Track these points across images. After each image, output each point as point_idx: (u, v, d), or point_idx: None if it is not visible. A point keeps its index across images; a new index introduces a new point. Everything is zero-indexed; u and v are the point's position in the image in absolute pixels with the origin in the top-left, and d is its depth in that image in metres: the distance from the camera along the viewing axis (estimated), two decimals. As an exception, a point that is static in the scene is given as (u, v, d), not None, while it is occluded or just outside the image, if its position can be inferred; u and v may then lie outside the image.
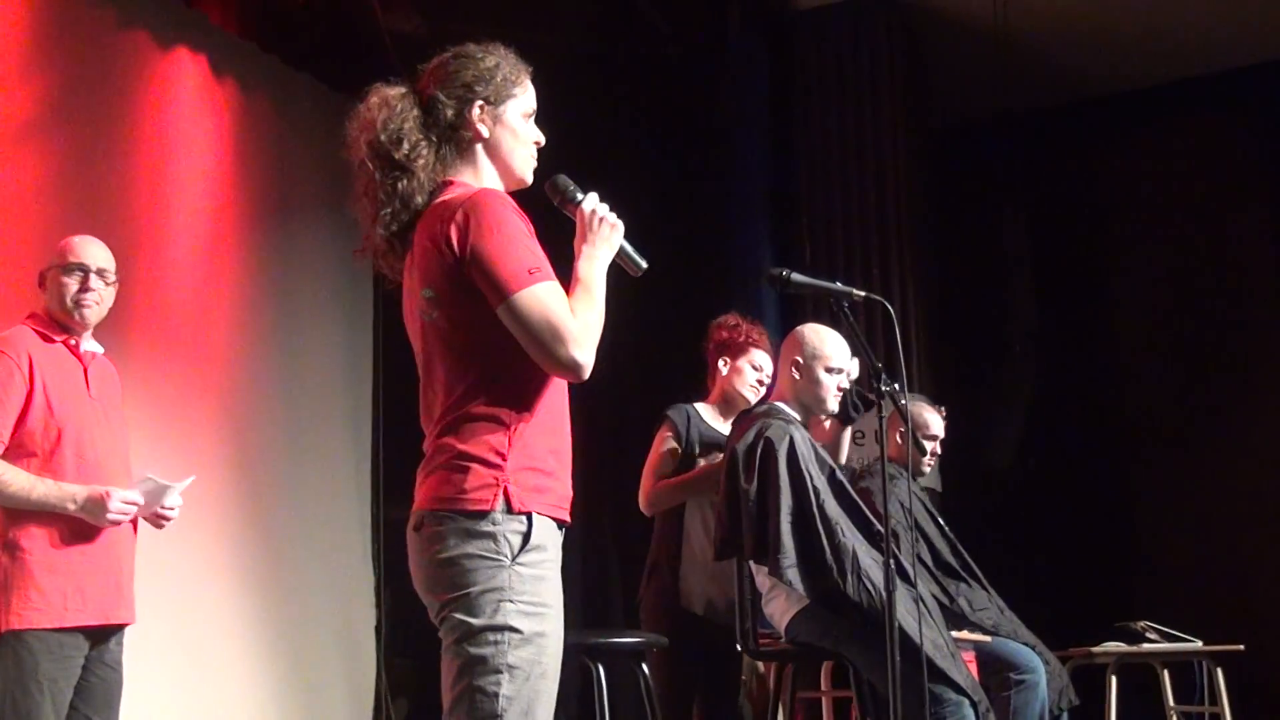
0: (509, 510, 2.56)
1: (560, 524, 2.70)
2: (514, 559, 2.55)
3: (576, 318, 2.60)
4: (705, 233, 8.44)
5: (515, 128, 2.83)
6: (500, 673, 2.52)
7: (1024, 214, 9.64)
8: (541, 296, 2.58)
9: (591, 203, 2.83)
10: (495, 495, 2.56)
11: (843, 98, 8.42)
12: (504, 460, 2.59)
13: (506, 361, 2.62)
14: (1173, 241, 9.57)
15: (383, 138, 2.74)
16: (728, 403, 5.12)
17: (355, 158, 2.80)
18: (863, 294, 3.90)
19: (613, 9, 8.20)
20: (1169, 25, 8.69)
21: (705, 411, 5.12)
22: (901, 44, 8.54)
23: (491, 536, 2.55)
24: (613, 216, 2.82)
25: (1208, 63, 9.14)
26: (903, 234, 8.22)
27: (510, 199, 2.72)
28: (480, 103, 2.79)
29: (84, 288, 3.99)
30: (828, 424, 5.16)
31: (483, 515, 2.56)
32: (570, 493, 2.74)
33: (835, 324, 4.80)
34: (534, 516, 2.59)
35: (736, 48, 8.50)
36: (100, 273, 4.04)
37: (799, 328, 4.84)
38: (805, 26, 8.62)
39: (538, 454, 2.64)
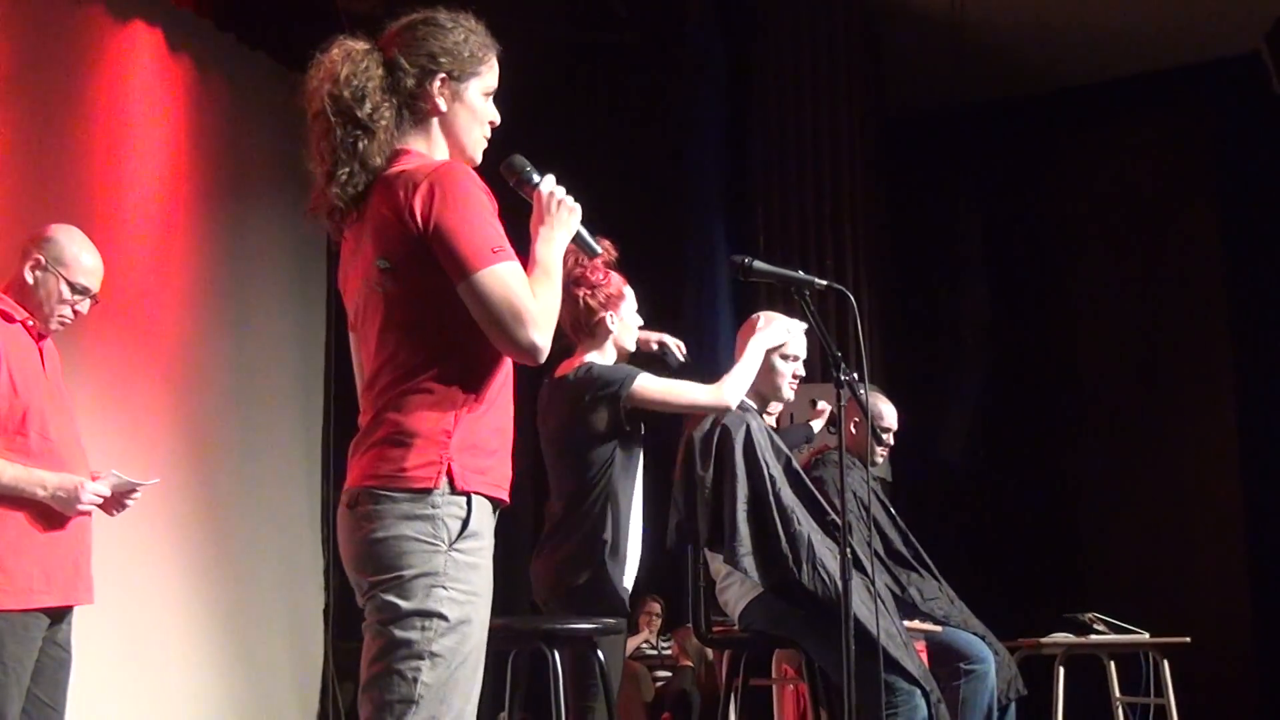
0: (451, 490, 2.52)
1: (497, 504, 2.66)
2: (451, 545, 2.52)
3: (540, 299, 2.57)
4: (660, 220, 8.42)
5: (474, 106, 2.76)
6: (423, 659, 2.48)
7: (978, 206, 9.70)
8: (504, 276, 2.54)
9: (549, 185, 2.80)
10: (439, 473, 2.52)
11: (799, 87, 8.43)
12: (449, 438, 2.54)
13: (461, 339, 2.58)
14: (1126, 235, 9.65)
15: (345, 93, 2.64)
16: (618, 353, 4.63)
17: (312, 109, 2.69)
18: (824, 283, 3.89)
19: (572, -5, 8.19)
20: (1125, 20, 8.75)
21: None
22: (858, 35, 8.56)
23: (430, 519, 2.51)
24: (570, 200, 2.79)
25: (1163, 58, 9.22)
26: (857, 224, 8.24)
27: (476, 175, 2.67)
28: (443, 75, 2.71)
29: (75, 311, 3.95)
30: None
31: (423, 495, 2.51)
32: (510, 472, 2.70)
33: (790, 312, 4.80)
34: (473, 499, 2.55)
35: (694, 36, 8.49)
36: (94, 297, 4.00)
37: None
38: (763, 16, 8.63)
39: (483, 433, 2.60)
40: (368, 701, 2.52)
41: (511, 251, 2.59)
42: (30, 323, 3.91)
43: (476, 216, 2.57)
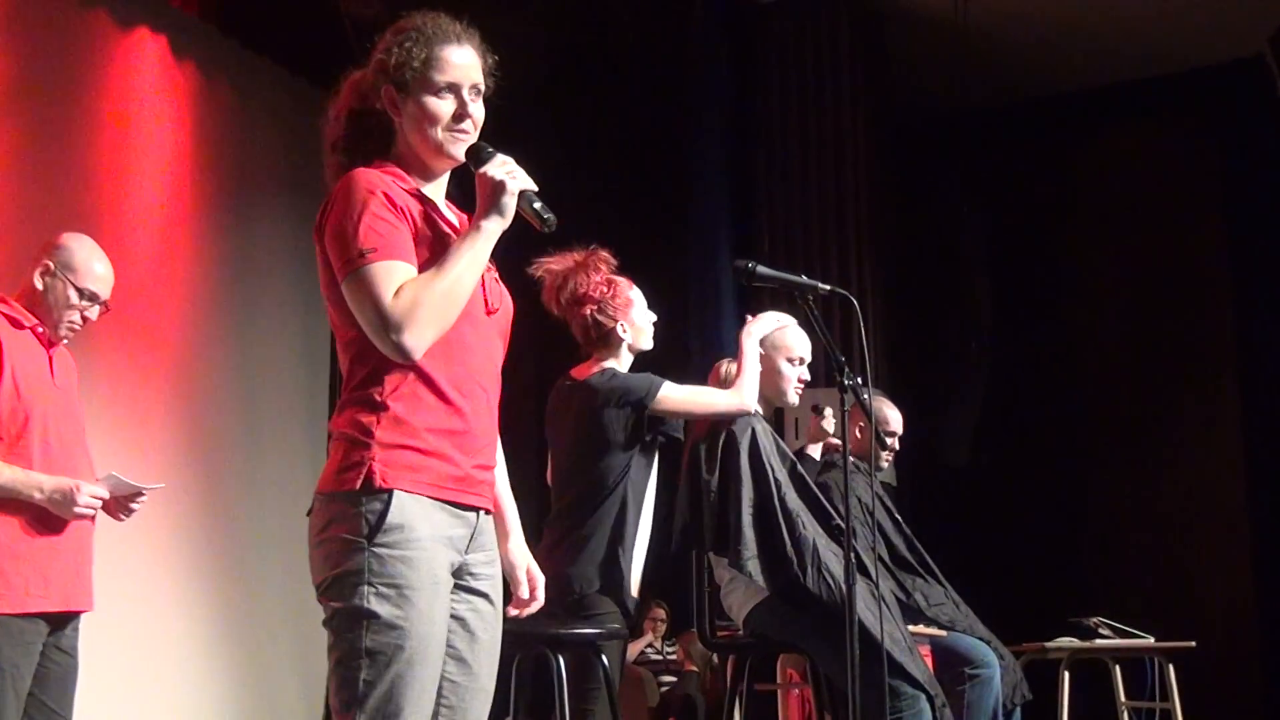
0: (371, 488, 2.52)
1: (459, 505, 2.63)
2: (372, 540, 2.51)
3: (402, 298, 2.49)
4: (664, 224, 8.42)
5: (425, 106, 2.68)
6: (360, 657, 2.49)
7: (983, 210, 9.67)
8: (366, 279, 2.49)
9: (489, 167, 2.66)
10: (359, 474, 2.52)
11: (804, 90, 8.43)
12: (371, 438, 2.54)
13: (369, 344, 2.56)
14: (1130, 239, 9.64)
15: (328, 126, 2.78)
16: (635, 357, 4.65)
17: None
18: (828, 288, 3.89)
19: (575, -3, 8.18)
20: (1129, 24, 8.75)
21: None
22: (863, 37, 8.57)
23: (354, 518, 2.52)
24: (502, 174, 2.63)
25: (1168, 62, 9.21)
26: (861, 228, 8.24)
27: (381, 177, 2.63)
28: (385, 87, 2.70)
29: (85, 318, 3.96)
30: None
31: (348, 496, 2.53)
32: (469, 473, 2.65)
33: (794, 316, 4.80)
34: (395, 494, 2.52)
35: (698, 39, 8.49)
36: (105, 305, 4.01)
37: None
38: (767, 18, 8.63)
39: (415, 432, 2.57)
40: (331, 704, 2.56)
41: (392, 250, 2.53)
42: (40, 329, 3.92)
43: (351, 221, 2.54)
